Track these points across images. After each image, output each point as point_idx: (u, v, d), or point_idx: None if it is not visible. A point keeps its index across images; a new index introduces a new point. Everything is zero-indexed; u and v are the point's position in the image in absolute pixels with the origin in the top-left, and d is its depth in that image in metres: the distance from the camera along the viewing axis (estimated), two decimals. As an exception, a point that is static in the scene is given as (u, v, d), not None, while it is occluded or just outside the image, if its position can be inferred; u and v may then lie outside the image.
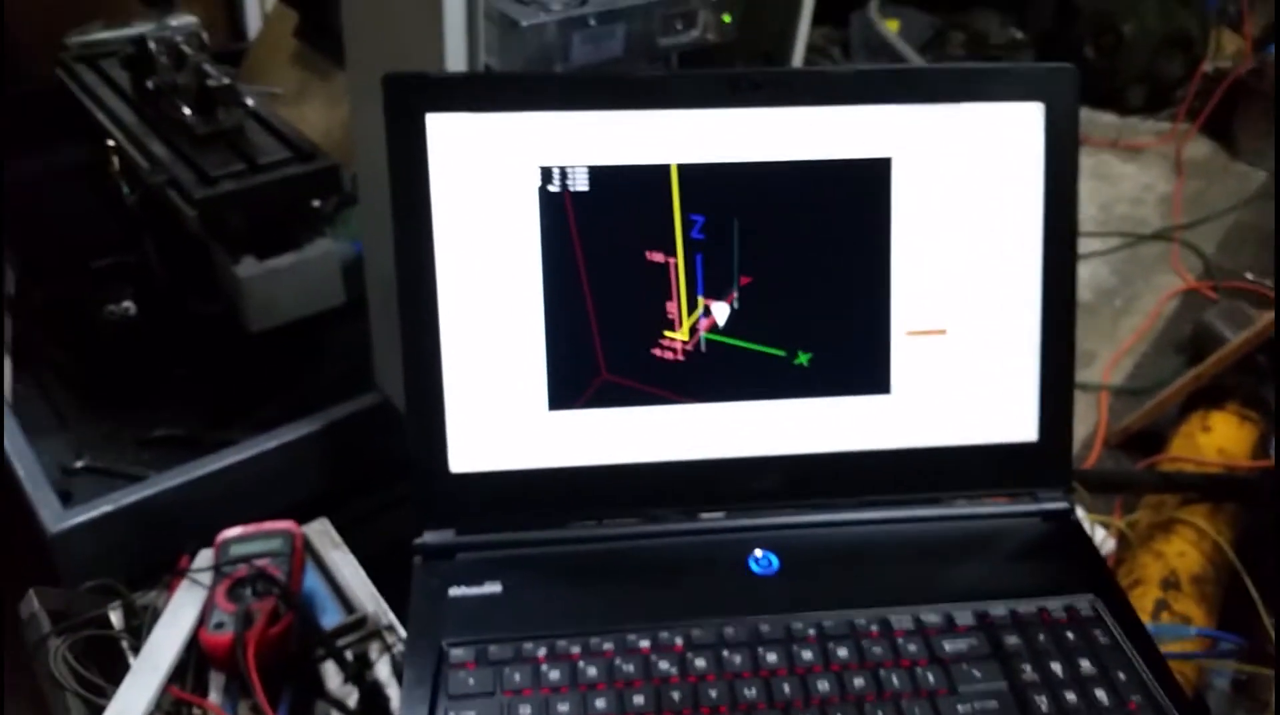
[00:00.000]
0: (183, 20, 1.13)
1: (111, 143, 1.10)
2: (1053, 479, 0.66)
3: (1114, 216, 2.39)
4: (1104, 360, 2.04)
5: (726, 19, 0.87)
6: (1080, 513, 0.73)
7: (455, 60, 0.65)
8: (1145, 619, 0.89)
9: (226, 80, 1.04)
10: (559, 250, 0.58)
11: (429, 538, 0.60)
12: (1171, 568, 1.30)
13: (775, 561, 0.62)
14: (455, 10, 0.64)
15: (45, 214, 1.20)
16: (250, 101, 1.07)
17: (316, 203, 1.06)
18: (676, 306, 0.60)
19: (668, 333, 0.60)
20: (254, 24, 1.49)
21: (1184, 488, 1.42)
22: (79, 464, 0.96)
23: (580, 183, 0.59)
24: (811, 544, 0.62)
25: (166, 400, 1.06)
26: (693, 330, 0.61)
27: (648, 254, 0.60)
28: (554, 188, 0.58)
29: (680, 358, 0.61)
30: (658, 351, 0.60)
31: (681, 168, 0.59)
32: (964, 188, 0.64)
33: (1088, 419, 1.89)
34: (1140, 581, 1.30)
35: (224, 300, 1.06)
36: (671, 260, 0.60)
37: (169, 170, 1.01)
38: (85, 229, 1.16)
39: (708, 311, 0.61)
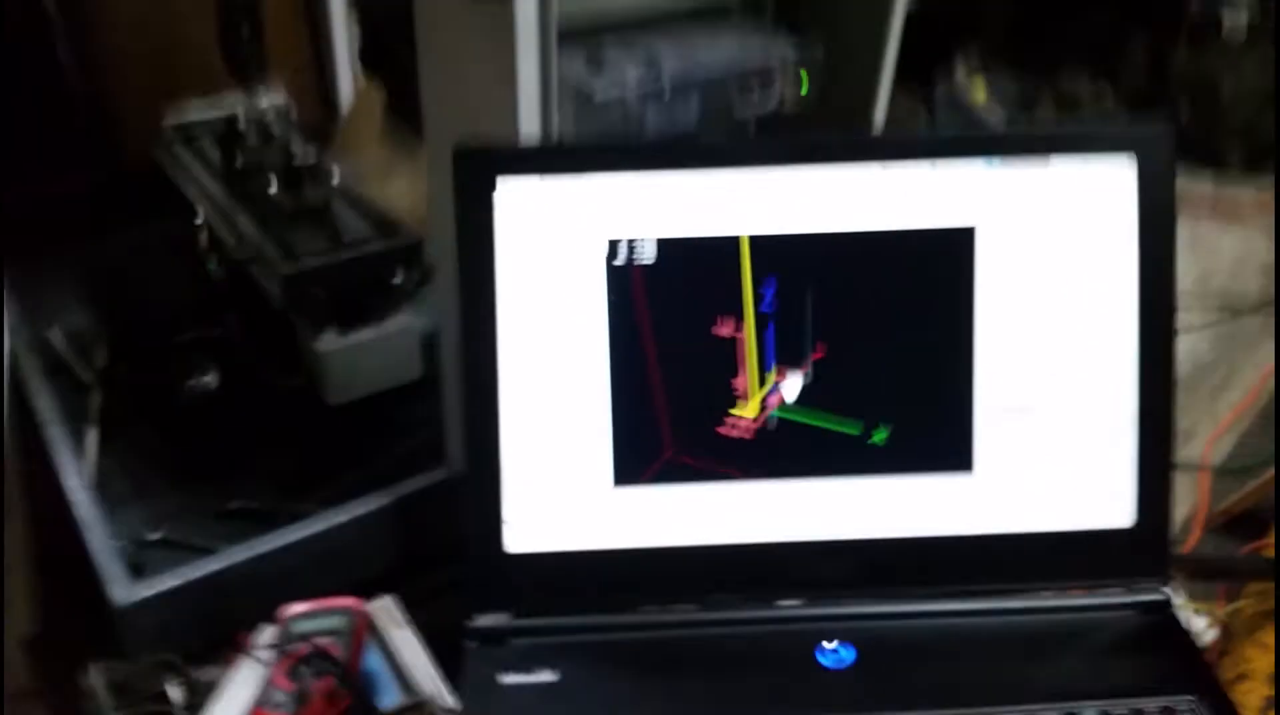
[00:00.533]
0: (272, 98, 1.16)
1: (200, 219, 1.13)
2: (1150, 568, 0.61)
3: (1211, 289, 2.30)
4: (1202, 438, 1.93)
5: (804, 90, 0.86)
6: (1179, 601, 0.68)
7: (529, 134, 0.65)
8: (1255, 718, 0.82)
9: (312, 159, 1.06)
10: (625, 324, 0.57)
11: (482, 621, 0.58)
12: (1281, 662, 1.21)
13: (848, 655, 0.58)
14: (529, 84, 0.63)
15: (136, 290, 1.24)
16: (336, 179, 1.09)
17: (398, 278, 1.06)
18: (745, 381, 0.58)
19: (735, 409, 0.58)
20: (346, 99, 1.53)
21: (1292, 576, 1.33)
22: (153, 536, 0.97)
23: (648, 255, 0.57)
24: (886, 636, 0.59)
25: (244, 473, 1.06)
26: (762, 406, 0.58)
27: (716, 327, 0.58)
28: (620, 261, 0.57)
29: (749, 435, 0.58)
30: (724, 429, 0.58)
31: (753, 239, 0.58)
32: (1053, 254, 0.61)
33: (1186, 500, 1.79)
34: (1246, 676, 1.20)
35: (304, 374, 1.07)
36: (740, 335, 0.58)
37: (255, 246, 1.03)
38: (173, 305, 1.18)
39: (778, 387, 0.59)
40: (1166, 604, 0.61)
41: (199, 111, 1.27)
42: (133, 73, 1.36)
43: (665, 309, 0.58)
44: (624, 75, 0.77)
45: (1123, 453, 0.61)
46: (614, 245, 0.57)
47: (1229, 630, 1.31)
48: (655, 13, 0.83)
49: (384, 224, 1.05)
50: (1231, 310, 2.22)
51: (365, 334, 1.02)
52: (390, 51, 1.13)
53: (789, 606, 0.61)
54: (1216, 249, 2.46)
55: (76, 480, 0.94)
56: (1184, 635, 0.60)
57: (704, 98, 0.80)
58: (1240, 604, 1.35)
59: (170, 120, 1.26)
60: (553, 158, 0.57)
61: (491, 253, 0.57)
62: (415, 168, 1.21)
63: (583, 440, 0.58)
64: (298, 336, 1.05)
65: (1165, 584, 0.62)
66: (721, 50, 0.85)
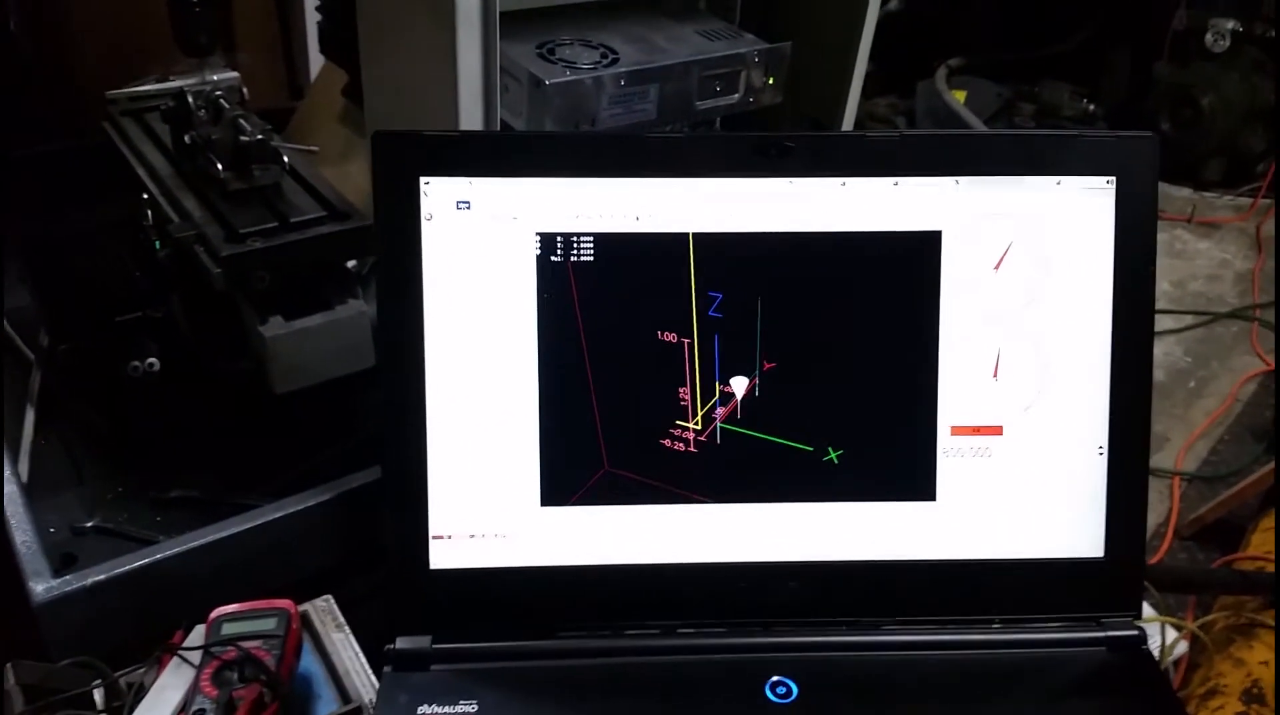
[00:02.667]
0: (223, 74, 1.12)
1: (146, 196, 1.08)
2: (1121, 601, 0.58)
3: (1188, 293, 2.30)
4: (1176, 445, 1.93)
5: (770, 81, 0.82)
6: (1148, 612, 0.65)
7: (470, 120, 0.61)
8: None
9: (260, 136, 1.02)
10: (559, 327, 0.54)
11: (402, 644, 0.54)
12: (1255, 677, 1.19)
13: (794, 689, 0.55)
14: (470, 66, 0.60)
15: (78, 268, 1.20)
16: (287, 159, 1.05)
17: (351, 263, 1.03)
18: (690, 392, 0.55)
19: (679, 421, 0.55)
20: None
21: (1265, 590, 1.31)
22: (89, 524, 0.93)
23: (585, 253, 0.54)
24: (837, 670, 0.56)
25: (186, 460, 1.03)
26: (707, 419, 0.55)
27: (659, 333, 0.55)
28: (556, 257, 0.54)
29: (693, 449, 0.55)
30: (668, 442, 0.55)
31: (698, 237, 0.54)
32: (1024, 268, 0.58)
33: (1158, 508, 1.78)
34: (1218, 691, 1.19)
35: (250, 360, 1.03)
36: (686, 340, 0.55)
37: (198, 225, 0.99)
38: (118, 285, 1.14)
39: (725, 399, 0.55)
40: (1139, 641, 0.58)
41: (151, 85, 1.22)
42: (89, 44, 1.32)
43: (603, 312, 0.54)
44: (576, 60, 0.73)
45: (1094, 479, 0.58)
46: (548, 240, 0.54)
47: (1199, 644, 1.30)
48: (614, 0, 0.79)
49: (335, 207, 1.01)
50: (1209, 315, 2.22)
51: (313, 320, 0.98)
52: (349, 35, 1.09)
53: (732, 636, 0.57)
54: (1193, 256, 2.45)
55: (6, 467, 0.90)
56: (1158, 675, 0.57)
57: (663, 89, 0.77)
58: (1212, 617, 1.34)
59: (119, 93, 1.21)
60: (481, 149, 0.53)
61: (417, 247, 0.53)
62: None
63: (513, 451, 0.55)
64: (243, 321, 1.01)
65: (1137, 618, 0.59)
66: (683, 42, 0.82)
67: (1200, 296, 2.35)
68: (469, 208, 0.54)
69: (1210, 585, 1.39)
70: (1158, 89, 2.73)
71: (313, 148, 1.07)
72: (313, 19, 1.49)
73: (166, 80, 1.23)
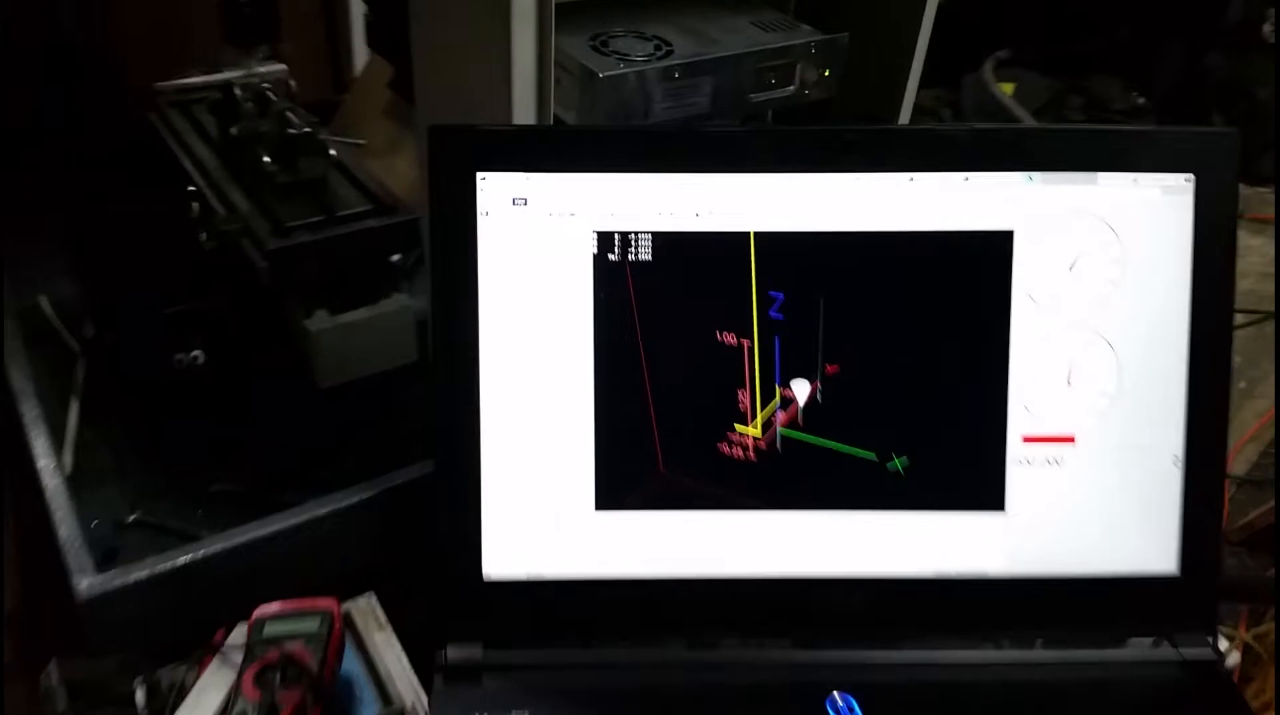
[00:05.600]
0: (270, 67, 1.11)
1: (192, 189, 1.08)
2: (1195, 621, 0.55)
3: (1239, 291, 2.23)
4: (1226, 447, 1.87)
5: (826, 73, 0.80)
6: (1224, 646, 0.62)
7: (523, 113, 0.60)
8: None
9: (307, 129, 1.01)
10: (615, 326, 0.52)
11: (454, 654, 0.53)
12: (1313, 692, 1.15)
13: (855, 706, 0.53)
14: (525, 60, 0.58)
15: (127, 259, 1.20)
16: (333, 152, 1.04)
17: (396, 257, 1.02)
18: (749, 396, 0.53)
19: (738, 426, 0.53)
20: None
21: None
22: (131, 518, 0.93)
23: (643, 251, 0.52)
24: (901, 688, 0.53)
25: (229, 454, 1.02)
26: (767, 425, 0.53)
27: (718, 334, 0.53)
28: (613, 256, 0.52)
29: (751, 456, 0.53)
30: (725, 447, 0.53)
31: (760, 235, 0.52)
32: (1098, 269, 0.55)
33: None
34: (1273, 706, 1.15)
35: (294, 353, 1.02)
36: (745, 342, 0.53)
37: (245, 218, 0.99)
38: (164, 276, 1.14)
39: (785, 403, 0.53)
40: (1216, 662, 0.55)
41: (198, 78, 1.22)
42: (136, 35, 1.32)
43: (661, 312, 0.52)
44: (630, 53, 0.71)
45: (1169, 492, 0.55)
46: (605, 238, 0.52)
47: (1253, 654, 1.26)
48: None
49: (382, 200, 1.00)
50: (1261, 313, 2.16)
51: (359, 314, 0.98)
52: (397, 28, 1.09)
53: (791, 650, 0.55)
54: (1246, 252, 2.39)
55: (49, 458, 0.89)
56: (1235, 698, 0.55)
57: (716, 82, 0.74)
58: (1263, 627, 1.30)
59: (167, 84, 1.21)
60: (537, 144, 0.52)
61: (472, 244, 0.51)
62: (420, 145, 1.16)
63: (567, 455, 0.53)
64: (287, 314, 1.00)
65: (1211, 637, 0.56)
66: (738, 33, 0.79)
67: (1251, 294, 2.29)
68: (526, 204, 0.52)
69: (1263, 595, 1.35)
70: (1211, 81, 2.66)
71: (359, 140, 1.06)
72: (358, 11, 1.48)
73: (214, 72, 1.23)
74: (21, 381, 0.99)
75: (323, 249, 0.95)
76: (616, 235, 0.52)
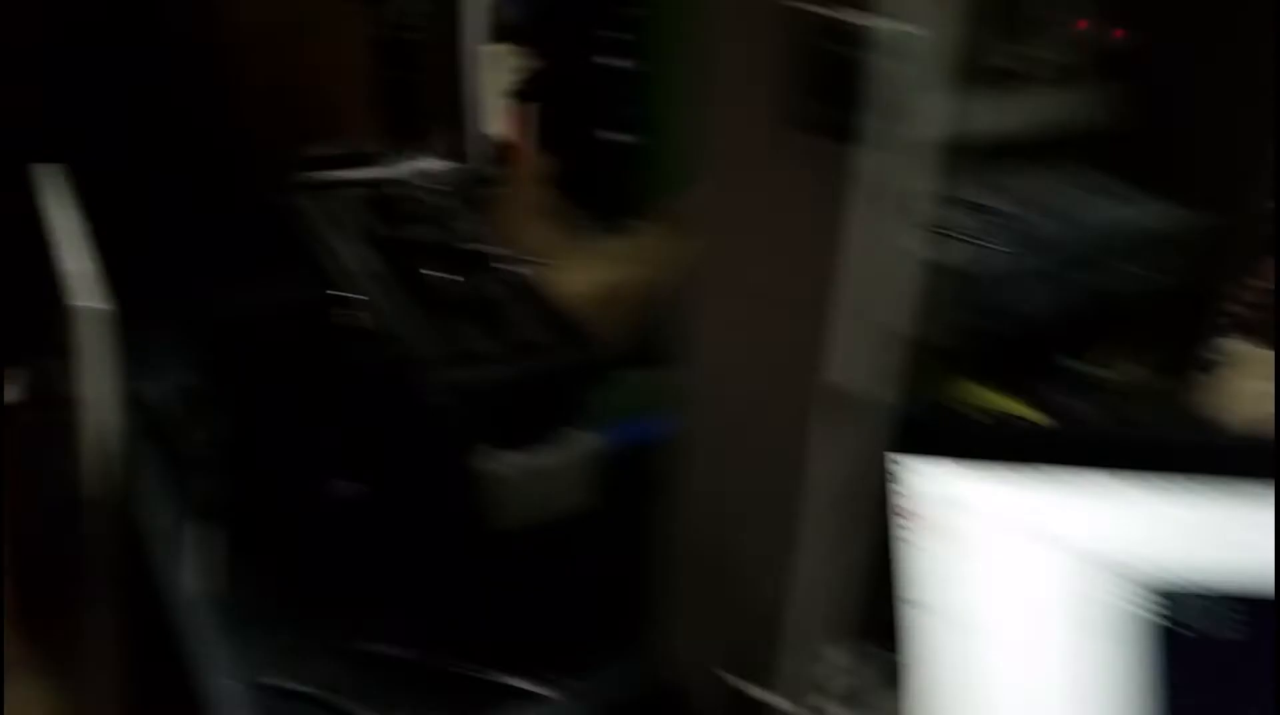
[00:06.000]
0: (431, 164, 1.00)
1: (343, 293, 0.96)
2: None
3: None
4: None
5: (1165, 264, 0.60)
6: None
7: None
8: None
9: (482, 247, 0.90)
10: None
11: None
12: None
13: None
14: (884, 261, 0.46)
15: (260, 352, 1.09)
16: (512, 268, 0.93)
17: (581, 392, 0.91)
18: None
19: None
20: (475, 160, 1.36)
21: None
22: (267, 680, 0.81)
23: (1193, 616, 0.35)
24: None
25: (383, 606, 0.89)
26: None
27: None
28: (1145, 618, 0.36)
29: None
30: None
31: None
32: None
33: None
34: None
35: (464, 494, 0.90)
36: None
37: (416, 341, 0.88)
38: (308, 385, 1.02)
39: None
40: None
41: (338, 165, 1.10)
42: (264, 115, 1.21)
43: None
44: (980, 236, 0.56)
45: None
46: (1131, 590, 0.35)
47: None
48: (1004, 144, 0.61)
49: (565, 326, 0.89)
50: None
51: (542, 455, 0.86)
52: (574, 124, 0.97)
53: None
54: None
55: (186, 591, 0.79)
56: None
57: (1070, 272, 0.59)
58: None
59: (303, 170, 1.09)
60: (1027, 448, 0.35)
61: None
62: (588, 252, 1.03)
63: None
64: (457, 450, 0.88)
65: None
66: (1095, 209, 0.63)
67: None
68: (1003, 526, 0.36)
69: None
70: None
71: (545, 261, 0.94)
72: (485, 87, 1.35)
73: (355, 149, 1.11)
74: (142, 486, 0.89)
75: (513, 384, 0.85)
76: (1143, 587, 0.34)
